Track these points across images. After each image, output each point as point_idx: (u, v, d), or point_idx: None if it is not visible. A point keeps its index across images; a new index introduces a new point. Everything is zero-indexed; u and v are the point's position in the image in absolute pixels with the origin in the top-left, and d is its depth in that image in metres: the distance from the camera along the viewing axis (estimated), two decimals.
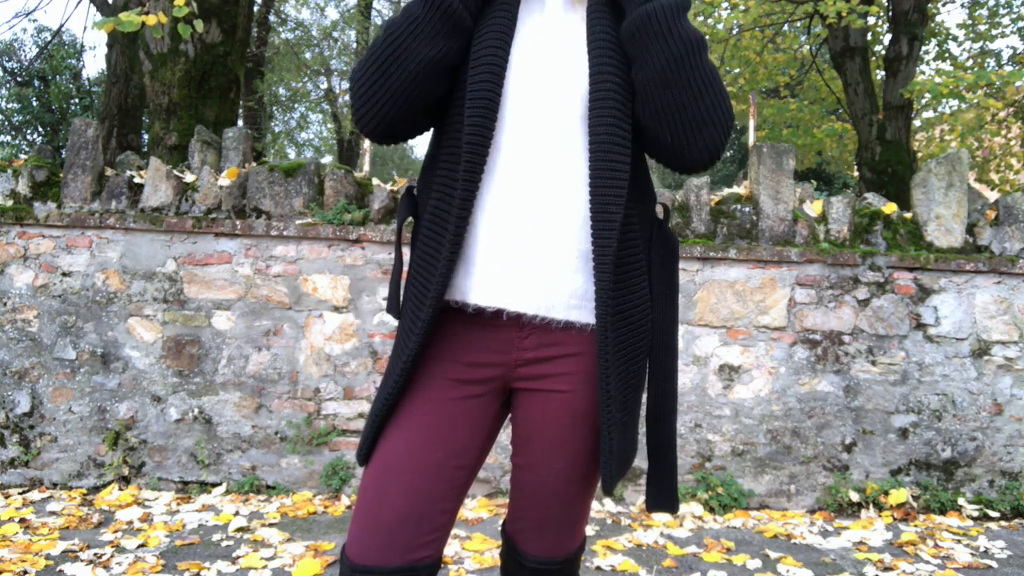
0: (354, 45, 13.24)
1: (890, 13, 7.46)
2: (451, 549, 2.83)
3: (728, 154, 17.86)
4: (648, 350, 1.23)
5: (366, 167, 4.55)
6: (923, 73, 9.20)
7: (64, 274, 3.64)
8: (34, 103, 15.50)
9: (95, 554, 2.67)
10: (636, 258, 1.19)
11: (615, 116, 1.13)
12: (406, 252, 3.46)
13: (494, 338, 1.18)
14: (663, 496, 1.26)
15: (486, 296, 1.15)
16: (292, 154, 16.31)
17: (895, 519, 3.48)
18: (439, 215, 1.16)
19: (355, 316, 3.65)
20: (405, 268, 3.00)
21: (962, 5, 9.17)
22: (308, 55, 13.50)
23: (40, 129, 15.72)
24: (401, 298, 1.26)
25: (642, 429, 2.99)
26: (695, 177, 3.81)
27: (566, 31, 1.20)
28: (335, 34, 13.40)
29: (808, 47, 9.96)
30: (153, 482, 3.59)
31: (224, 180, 3.74)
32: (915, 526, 3.38)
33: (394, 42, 1.10)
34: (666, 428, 1.25)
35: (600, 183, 1.12)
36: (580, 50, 1.19)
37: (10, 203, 3.71)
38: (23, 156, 10.84)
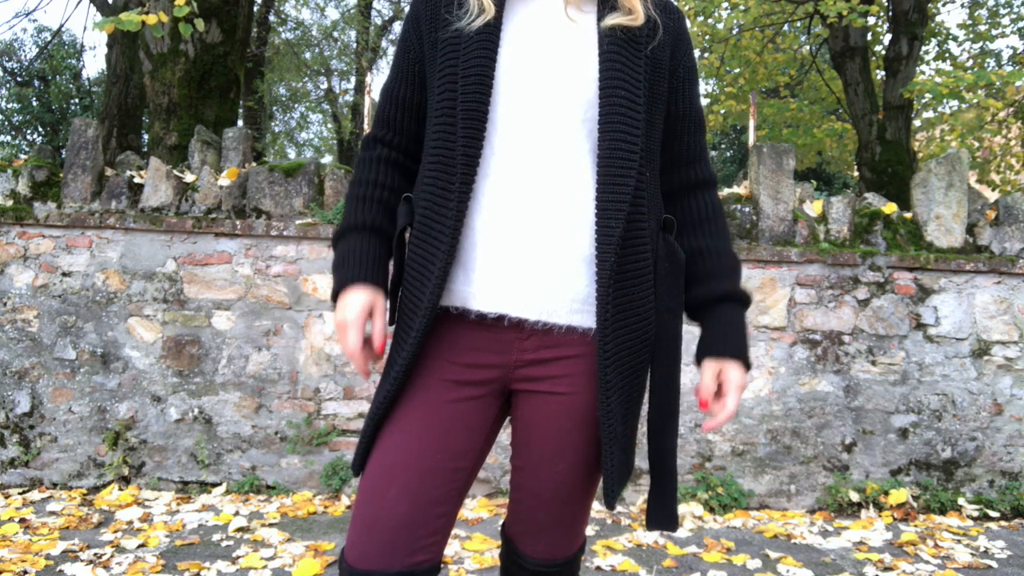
0: (354, 45, 13.24)
1: (890, 13, 7.47)
2: (451, 549, 2.83)
3: (728, 154, 17.86)
4: (650, 362, 1.22)
5: None
6: (923, 73, 9.19)
7: (64, 274, 3.64)
8: (34, 103, 15.51)
9: (95, 554, 2.67)
10: (642, 267, 1.18)
11: (625, 125, 1.13)
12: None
13: (494, 340, 1.17)
14: (664, 515, 1.25)
15: (487, 302, 1.14)
16: (292, 154, 16.32)
17: (895, 519, 3.48)
18: (431, 221, 1.16)
19: None
20: None
21: (962, 5, 9.17)
22: (308, 55, 13.50)
23: (40, 129, 15.72)
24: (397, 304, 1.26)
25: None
26: None
27: (562, 31, 1.19)
28: (335, 34, 13.40)
29: (808, 47, 9.96)
30: (153, 482, 3.59)
31: (224, 180, 3.74)
32: (915, 526, 3.38)
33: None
34: (668, 444, 1.24)
35: (606, 189, 1.12)
36: (579, 51, 1.17)
37: (10, 203, 3.71)
38: (23, 156, 10.84)
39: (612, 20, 1.16)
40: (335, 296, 1.21)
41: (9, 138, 16.00)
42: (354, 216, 1.24)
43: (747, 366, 1.23)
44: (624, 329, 1.15)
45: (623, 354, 1.15)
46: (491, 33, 1.15)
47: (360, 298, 1.18)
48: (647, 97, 1.18)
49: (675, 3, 1.29)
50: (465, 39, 1.16)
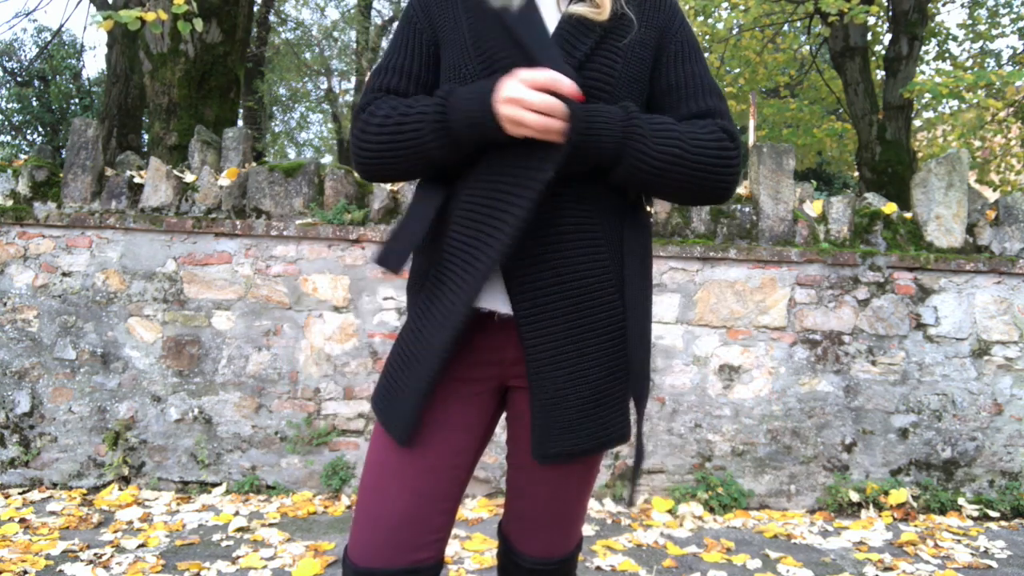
0: (354, 45, 13.25)
1: (890, 13, 7.47)
2: (451, 549, 2.83)
3: None
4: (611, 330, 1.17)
5: None
6: (923, 73, 9.19)
7: (64, 274, 3.64)
8: (34, 103, 15.50)
9: (95, 554, 2.67)
10: (571, 245, 1.14)
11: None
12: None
13: (489, 337, 1.18)
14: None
15: (481, 298, 1.15)
16: (292, 154, 16.32)
17: (895, 519, 3.48)
18: (478, 220, 1.13)
19: (355, 316, 3.65)
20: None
21: (962, 5, 9.17)
22: (308, 55, 13.50)
23: (40, 129, 15.72)
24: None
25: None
26: None
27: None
28: (335, 34, 13.41)
29: (808, 47, 9.96)
30: (153, 482, 3.59)
31: (224, 180, 3.73)
32: (915, 526, 3.38)
33: (404, 142, 1.14)
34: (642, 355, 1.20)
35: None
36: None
37: (10, 203, 3.71)
38: (23, 156, 10.84)
39: (574, 8, 1.16)
40: (485, 116, 1.07)
41: (9, 138, 16.00)
42: (423, 102, 1.13)
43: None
44: (557, 301, 1.13)
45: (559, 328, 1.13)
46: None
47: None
48: (593, 78, 1.15)
49: None
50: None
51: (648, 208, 1.28)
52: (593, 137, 1.08)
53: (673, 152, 1.11)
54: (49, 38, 13.91)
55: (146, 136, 7.46)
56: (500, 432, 2.86)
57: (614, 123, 1.09)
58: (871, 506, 3.55)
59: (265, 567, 2.60)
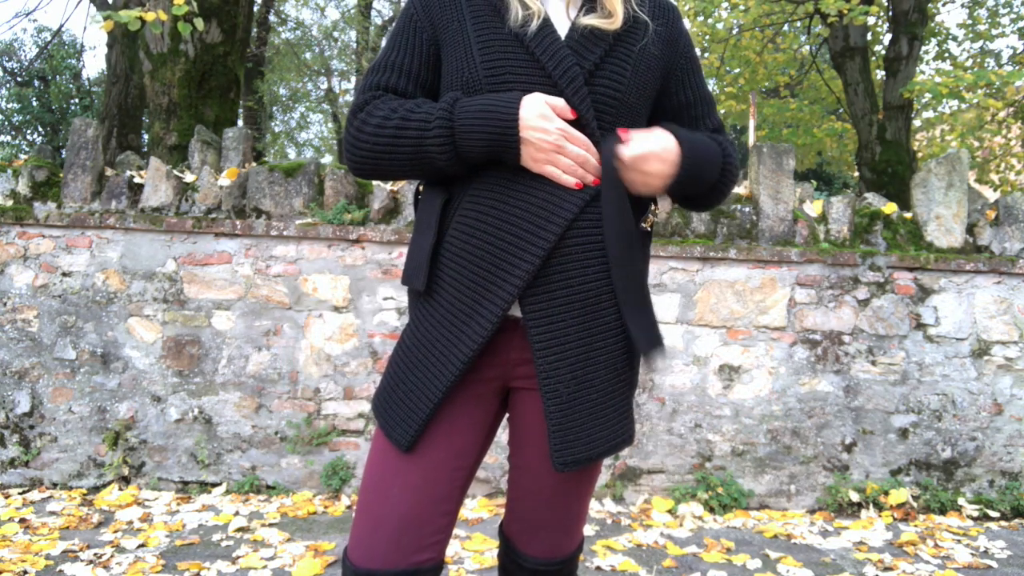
0: (354, 45, 13.25)
1: (890, 13, 7.47)
2: (451, 549, 2.83)
3: None
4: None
5: None
6: (923, 73, 9.19)
7: (64, 274, 3.64)
8: (34, 103, 15.50)
9: (95, 554, 2.67)
10: (585, 246, 1.15)
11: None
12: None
13: (495, 337, 1.17)
14: (652, 336, 1.18)
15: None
16: (292, 154, 16.32)
17: (895, 519, 3.48)
18: (507, 230, 1.13)
19: (355, 316, 3.65)
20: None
21: (962, 5, 9.17)
22: (308, 55, 13.50)
23: (40, 129, 15.72)
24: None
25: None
26: None
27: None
28: (335, 34, 13.41)
29: (808, 47, 9.96)
30: (153, 482, 3.59)
31: (224, 180, 3.73)
32: (915, 526, 3.38)
33: (404, 148, 1.14)
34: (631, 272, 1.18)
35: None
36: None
37: (10, 203, 3.71)
38: (23, 156, 10.84)
39: (586, 20, 1.18)
40: (505, 139, 1.09)
41: (9, 138, 16.00)
42: (425, 108, 1.14)
43: (681, 147, 1.16)
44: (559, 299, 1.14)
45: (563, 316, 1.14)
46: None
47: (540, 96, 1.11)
48: (602, 85, 1.18)
49: (672, 1, 1.30)
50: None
51: (652, 209, 1.29)
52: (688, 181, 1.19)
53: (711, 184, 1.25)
54: (49, 38, 13.91)
55: (146, 136, 7.46)
56: (501, 432, 2.86)
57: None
58: (871, 506, 3.55)
59: (265, 567, 2.60)
